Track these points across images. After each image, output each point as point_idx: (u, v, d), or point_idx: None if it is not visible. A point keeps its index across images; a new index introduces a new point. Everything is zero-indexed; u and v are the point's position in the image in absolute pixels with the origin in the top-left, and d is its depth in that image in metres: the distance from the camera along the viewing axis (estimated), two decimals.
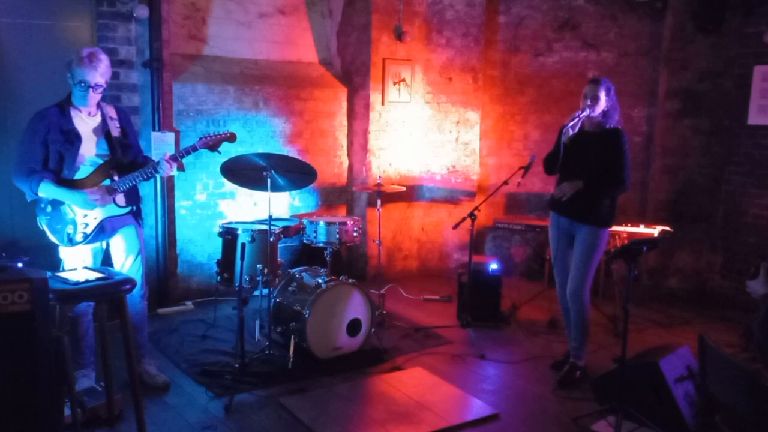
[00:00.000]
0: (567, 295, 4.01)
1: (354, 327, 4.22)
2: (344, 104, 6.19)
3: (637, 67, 6.06)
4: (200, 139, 3.72)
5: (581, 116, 3.84)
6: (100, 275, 3.02)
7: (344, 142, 6.25)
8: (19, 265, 4.05)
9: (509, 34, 6.30)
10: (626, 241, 4.72)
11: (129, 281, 3.06)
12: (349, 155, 6.28)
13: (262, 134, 5.69)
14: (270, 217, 4.09)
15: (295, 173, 4.17)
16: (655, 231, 4.99)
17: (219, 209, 5.50)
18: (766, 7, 5.49)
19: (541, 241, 5.88)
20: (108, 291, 2.98)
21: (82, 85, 3.39)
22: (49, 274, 2.67)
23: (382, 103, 6.09)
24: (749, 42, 5.63)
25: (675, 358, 3.52)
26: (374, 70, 5.99)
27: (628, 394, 3.37)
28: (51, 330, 2.37)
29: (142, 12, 4.80)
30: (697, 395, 3.44)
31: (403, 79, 6.16)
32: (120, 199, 3.56)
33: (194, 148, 3.67)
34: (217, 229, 4.58)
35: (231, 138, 3.78)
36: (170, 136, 5.06)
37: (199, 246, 5.47)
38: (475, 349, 4.51)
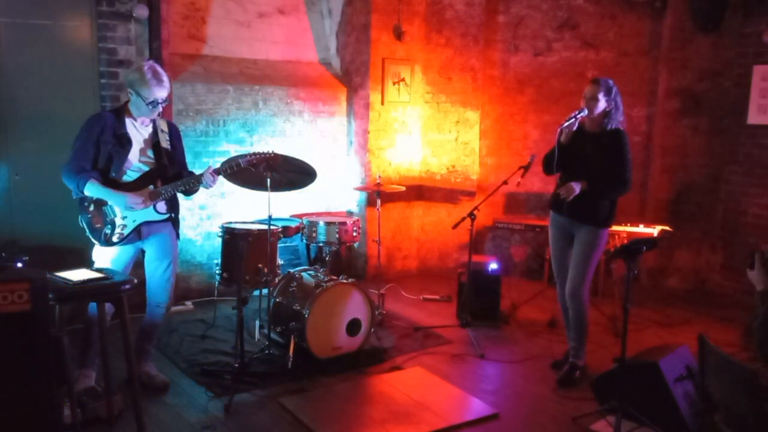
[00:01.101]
0: (566, 295, 4.01)
1: (354, 327, 4.22)
2: (344, 104, 6.19)
3: (637, 67, 6.06)
4: (245, 156, 3.78)
5: (578, 117, 3.83)
6: (100, 275, 3.02)
7: (344, 141, 6.25)
8: (19, 265, 4.05)
9: (509, 34, 6.30)
10: (626, 241, 4.72)
11: (128, 281, 3.06)
12: (348, 155, 6.27)
13: (262, 134, 5.68)
14: (270, 217, 4.09)
15: (294, 173, 4.17)
16: (654, 230, 4.99)
17: (218, 209, 5.50)
18: (765, 6, 5.50)
19: (540, 240, 5.88)
20: (108, 291, 2.98)
21: (154, 103, 3.48)
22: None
23: (382, 103, 6.09)
24: (749, 42, 5.63)
25: (674, 358, 3.52)
26: (374, 70, 5.99)
27: (628, 394, 3.37)
28: (50, 330, 2.37)
29: (142, 12, 4.80)
30: (696, 395, 3.44)
31: (403, 79, 6.16)
32: (161, 206, 3.63)
33: (238, 165, 3.73)
34: (216, 229, 4.58)
35: (275, 158, 3.84)
36: None
37: (198, 246, 5.47)
38: (475, 348, 4.51)
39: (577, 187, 3.78)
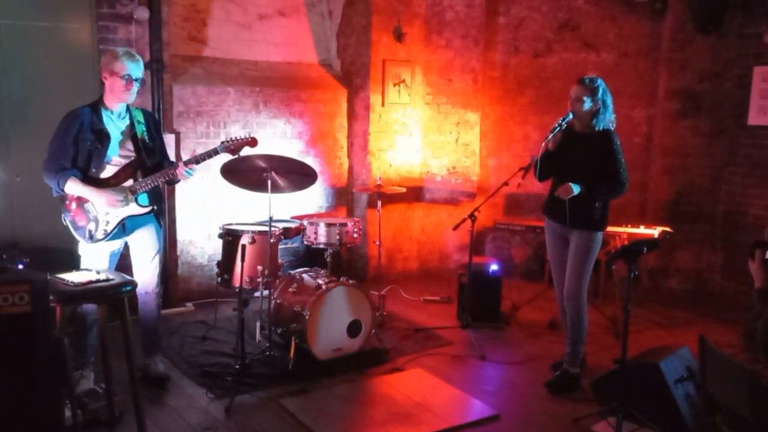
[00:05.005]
0: (564, 298, 3.99)
1: (354, 328, 4.22)
2: (344, 105, 6.19)
3: (637, 68, 6.06)
4: (222, 143, 3.76)
5: (562, 125, 3.79)
6: (100, 277, 3.02)
7: (344, 143, 6.25)
8: (20, 266, 4.05)
9: (509, 35, 6.30)
10: (626, 242, 4.72)
11: (129, 283, 3.06)
12: (349, 156, 6.28)
13: (263, 136, 5.68)
14: (270, 218, 4.09)
15: (295, 174, 4.17)
16: (655, 232, 4.99)
17: (219, 210, 5.50)
18: (765, 7, 5.50)
19: (541, 241, 5.84)
20: (108, 293, 2.98)
21: (128, 78, 3.48)
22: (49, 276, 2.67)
23: (382, 105, 6.09)
24: (749, 42, 5.63)
25: (675, 359, 3.52)
26: (374, 72, 5.99)
27: (629, 395, 3.36)
28: (51, 331, 2.37)
29: (142, 14, 4.80)
30: (697, 396, 3.44)
31: (403, 81, 6.16)
32: (143, 198, 3.63)
33: (216, 152, 3.72)
34: (217, 231, 4.58)
35: (252, 143, 3.82)
36: (170, 138, 5.06)
37: (199, 247, 5.47)
38: (476, 350, 4.51)
39: (574, 188, 3.76)
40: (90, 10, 4.71)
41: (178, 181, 3.76)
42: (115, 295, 3.00)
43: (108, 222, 3.56)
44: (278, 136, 5.79)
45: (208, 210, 5.46)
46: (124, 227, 3.62)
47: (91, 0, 4.70)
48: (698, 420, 3.34)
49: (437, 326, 4.97)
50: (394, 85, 6.12)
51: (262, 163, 3.99)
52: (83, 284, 2.92)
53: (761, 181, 5.59)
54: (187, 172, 3.63)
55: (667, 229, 5.08)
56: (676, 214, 5.96)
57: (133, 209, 3.61)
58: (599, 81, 3.80)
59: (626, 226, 5.04)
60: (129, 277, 3.22)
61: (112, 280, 3.02)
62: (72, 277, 2.99)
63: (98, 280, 2.98)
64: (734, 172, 5.83)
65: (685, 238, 5.97)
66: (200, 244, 5.47)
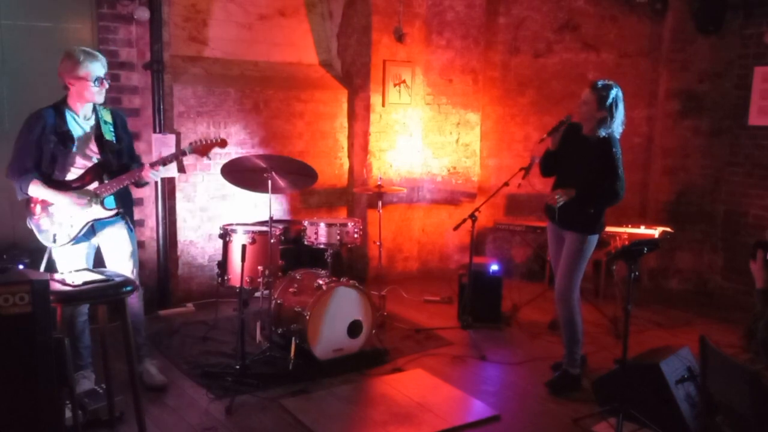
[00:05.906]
0: (555, 299, 3.99)
1: (355, 328, 4.22)
2: (344, 106, 6.19)
3: (637, 68, 6.06)
4: (190, 144, 3.70)
5: (560, 128, 3.80)
6: (100, 277, 3.02)
7: (345, 143, 6.25)
8: (21, 267, 4.06)
9: (509, 36, 6.30)
10: (627, 242, 4.72)
11: (129, 283, 3.06)
12: (349, 157, 6.28)
13: (263, 136, 5.69)
14: (270, 218, 4.09)
15: (295, 174, 4.17)
16: (655, 232, 4.99)
17: (220, 211, 5.50)
18: (766, 7, 5.50)
19: (541, 242, 5.87)
20: (108, 293, 2.97)
21: (99, 79, 3.45)
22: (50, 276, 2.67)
23: (383, 105, 6.09)
24: (749, 43, 5.64)
25: (676, 360, 3.52)
26: (374, 72, 5.99)
27: (629, 396, 3.37)
28: (52, 332, 2.38)
29: (143, 14, 4.80)
30: (698, 396, 3.44)
31: (404, 81, 6.16)
32: (109, 201, 3.57)
33: (183, 153, 3.68)
34: (217, 231, 4.58)
35: (222, 144, 3.76)
36: (171, 138, 5.07)
37: (199, 248, 5.47)
38: (476, 350, 4.51)
39: (560, 198, 3.75)
40: (90, 10, 4.71)
41: (146, 183, 3.66)
42: (116, 295, 3.00)
43: (72, 225, 3.49)
44: (278, 136, 5.78)
45: (209, 210, 5.46)
46: (93, 229, 3.56)
47: (92, 0, 4.71)
48: (699, 420, 3.34)
49: (438, 327, 4.97)
50: (395, 85, 6.12)
51: (262, 163, 3.99)
52: (84, 284, 2.92)
53: (761, 181, 5.59)
54: (153, 174, 3.55)
55: (668, 229, 5.08)
56: (677, 215, 5.96)
57: (98, 212, 3.53)
58: (612, 90, 3.72)
59: (626, 227, 5.04)
60: (130, 277, 3.22)
61: (113, 280, 3.02)
62: (72, 277, 2.99)
63: (98, 281, 2.98)
64: (734, 172, 5.83)
65: (685, 238, 5.97)
66: (200, 244, 5.47)
